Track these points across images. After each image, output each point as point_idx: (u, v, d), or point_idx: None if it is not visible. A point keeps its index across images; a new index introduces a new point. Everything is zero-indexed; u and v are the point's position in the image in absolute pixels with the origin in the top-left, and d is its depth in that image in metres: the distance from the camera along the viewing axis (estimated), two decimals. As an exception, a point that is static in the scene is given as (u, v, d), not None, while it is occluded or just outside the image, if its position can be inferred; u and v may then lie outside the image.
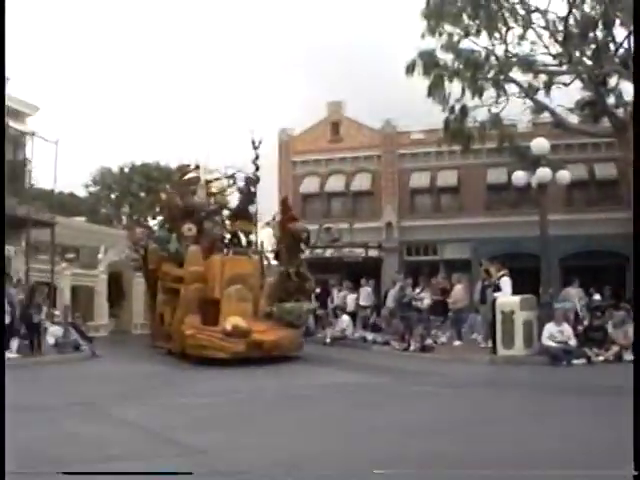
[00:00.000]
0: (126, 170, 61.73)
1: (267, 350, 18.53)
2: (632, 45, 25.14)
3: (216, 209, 25.12)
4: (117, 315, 33.96)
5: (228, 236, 24.62)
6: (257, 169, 23.92)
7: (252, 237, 24.40)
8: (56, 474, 7.21)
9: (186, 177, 25.71)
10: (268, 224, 25.41)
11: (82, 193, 62.67)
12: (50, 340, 21.66)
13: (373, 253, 39.20)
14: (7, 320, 18.68)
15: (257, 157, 23.86)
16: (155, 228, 26.55)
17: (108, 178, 62.46)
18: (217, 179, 25.38)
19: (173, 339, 20.90)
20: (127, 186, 60.89)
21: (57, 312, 24.68)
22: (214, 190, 25.34)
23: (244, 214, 23.80)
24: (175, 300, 21.78)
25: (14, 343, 19.27)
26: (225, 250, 23.46)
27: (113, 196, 63.20)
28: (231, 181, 24.78)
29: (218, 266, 20.96)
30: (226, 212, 25.28)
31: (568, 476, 7.11)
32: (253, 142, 23.74)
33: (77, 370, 18.19)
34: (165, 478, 7.14)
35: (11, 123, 27.45)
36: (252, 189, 23.74)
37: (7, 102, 28.40)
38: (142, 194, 57.77)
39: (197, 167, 25.58)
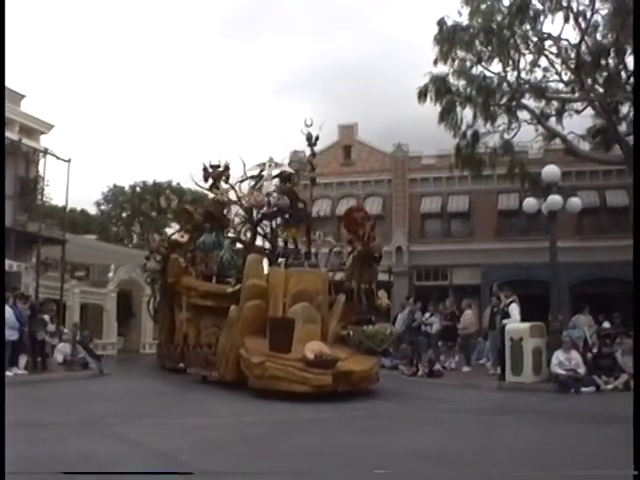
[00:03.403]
0: (138, 189, 62.29)
1: (355, 382, 15.80)
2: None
3: (273, 212, 20.80)
4: (125, 334, 34.02)
5: (268, 245, 21.71)
6: (313, 169, 21.32)
7: (306, 248, 20.65)
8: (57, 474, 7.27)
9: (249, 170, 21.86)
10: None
11: (93, 211, 63.26)
12: (58, 357, 21.73)
13: (383, 277, 38.99)
14: (15, 337, 18.66)
15: (314, 155, 21.09)
16: (175, 237, 22.23)
17: (120, 197, 63.11)
18: (282, 174, 21.04)
19: (217, 366, 17.57)
20: (138, 205, 61.33)
21: (66, 330, 24.70)
22: (271, 189, 21.05)
23: (301, 220, 20.57)
24: (201, 319, 19.40)
25: (22, 360, 19.26)
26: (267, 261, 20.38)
27: (124, 215, 63.74)
28: (296, 179, 21.02)
29: (281, 280, 17.79)
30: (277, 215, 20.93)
31: (568, 476, 7.07)
32: (309, 137, 20.86)
33: (84, 388, 18.01)
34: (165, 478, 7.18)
35: (24, 140, 27.68)
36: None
37: (21, 120, 28.73)
38: (153, 213, 57.95)
39: (227, 168, 22.11)
